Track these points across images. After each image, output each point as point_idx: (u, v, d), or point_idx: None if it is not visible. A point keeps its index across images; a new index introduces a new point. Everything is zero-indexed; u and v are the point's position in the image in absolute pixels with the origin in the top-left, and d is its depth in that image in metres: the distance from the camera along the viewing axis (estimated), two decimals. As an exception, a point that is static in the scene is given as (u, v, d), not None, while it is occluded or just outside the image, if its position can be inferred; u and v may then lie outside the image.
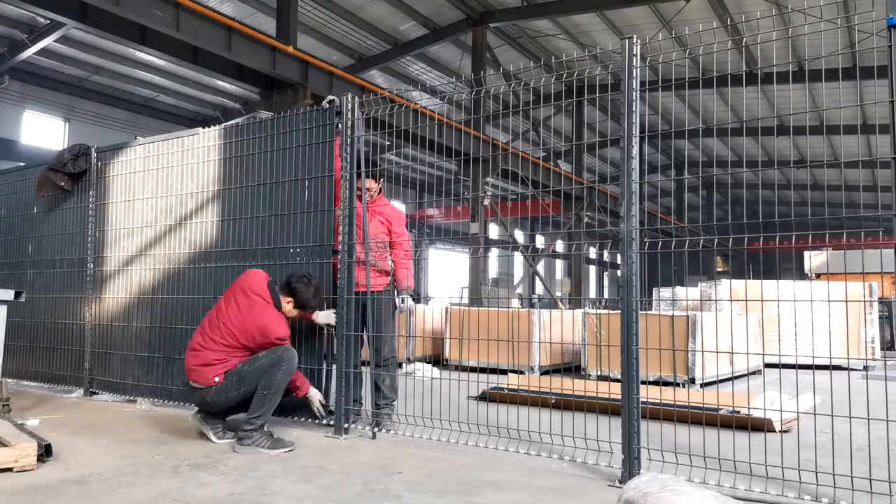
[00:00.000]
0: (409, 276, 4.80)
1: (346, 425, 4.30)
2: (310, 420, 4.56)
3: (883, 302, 11.42)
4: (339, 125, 4.51)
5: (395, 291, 4.74)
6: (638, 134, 3.39)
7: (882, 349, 10.23)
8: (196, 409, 4.20)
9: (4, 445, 3.43)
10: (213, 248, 5.17)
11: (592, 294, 36.56)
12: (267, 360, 3.96)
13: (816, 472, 2.96)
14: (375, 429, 4.32)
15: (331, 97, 4.62)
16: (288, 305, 4.19)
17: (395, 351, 4.83)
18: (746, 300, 8.64)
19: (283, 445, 3.87)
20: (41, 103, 16.80)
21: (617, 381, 3.78)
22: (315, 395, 4.33)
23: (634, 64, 3.40)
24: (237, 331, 4.00)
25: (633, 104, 3.39)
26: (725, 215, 32.25)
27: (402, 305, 4.69)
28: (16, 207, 6.81)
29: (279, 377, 3.96)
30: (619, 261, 3.45)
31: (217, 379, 3.96)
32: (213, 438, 4.04)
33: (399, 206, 4.98)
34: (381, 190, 4.87)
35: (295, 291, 4.16)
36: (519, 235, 31.56)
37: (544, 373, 7.63)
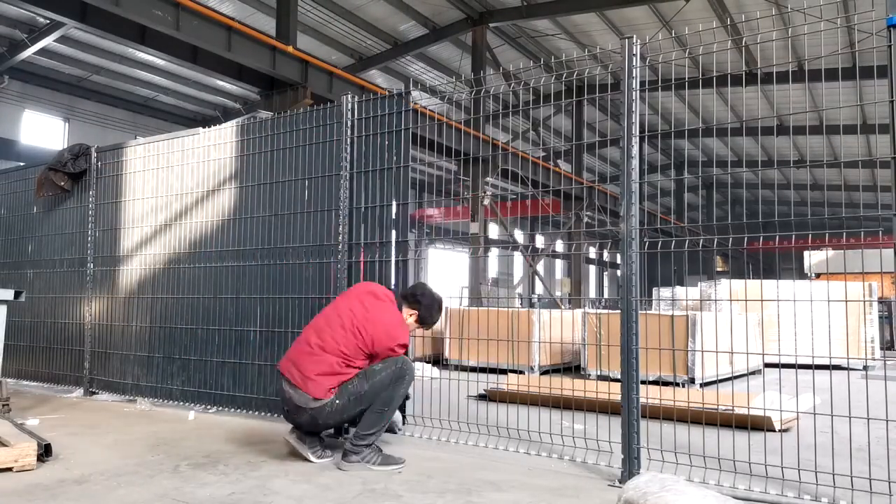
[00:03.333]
0: None
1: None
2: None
3: (883, 302, 11.42)
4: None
5: None
6: (638, 134, 3.39)
7: (882, 349, 10.23)
8: (291, 427, 3.70)
9: (4, 445, 3.43)
10: (214, 247, 5.17)
11: (592, 294, 36.55)
12: (387, 374, 3.52)
13: (816, 472, 2.96)
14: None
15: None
16: (410, 318, 3.79)
17: None
18: (746, 300, 8.63)
19: (394, 462, 3.53)
20: (41, 103, 16.80)
21: (617, 380, 3.78)
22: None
23: (634, 64, 3.40)
24: (363, 330, 3.55)
25: (633, 104, 3.39)
26: (725, 215, 32.26)
27: None
28: (16, 207, 6.81)
29: (400, 393, 3.59)
30: (619, 261, 3.45)
31: (332, 391, 3.49)
32: (313, 458, 3.60)
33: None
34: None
35: (421, 305, 3.78)
36: (519, 235, 31.56)
37: (544, 372, 7.63)
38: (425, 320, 3.83)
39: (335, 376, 3.50)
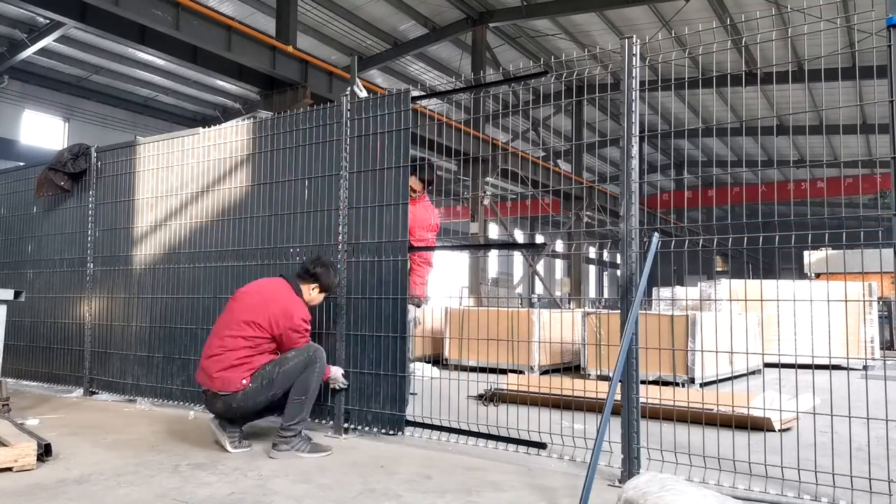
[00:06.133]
0: (417, 286, 4.75)
1: (345, 425, 4.30)
2: (310, 420, 4.57)
3: (883, 301, 11.41)
4: None
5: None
6: (638, 134, 3.39)
7: (881, 349, 10.23)
8: (213, 415, 3.90)
9: (4, 445, 3.43)
10: (214, 247, 5.17)
11: (592, 294, 36.56)
12: (298, 360, 3.77)
13: (816, 472, 2.96)
14: None
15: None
16: (313, 292, 4.06)
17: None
18: (746, 300, 8.63)
19: (322, 450, 3.76)
20: (41, 103, 16.81)
21: (617, 380, 3.77)
22: (337, 372, 4.19)
23: (634, 64, 3.40)
24: (260, 318, 3.78)
25: (633, 104, 3.39)
26: (725, 215, 32.23)
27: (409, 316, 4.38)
28: (16, 207, 6.81)
29: (314, 378, 3.82)
30: (619, 261, 3.45)
31: (244, 382, 3.71)
32: (230, 448, 3.78)
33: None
34: (423, 190, 4.93)
35: (317, 276, 4.04)
36: (519, 235, 31.56)
37: (544, 372, 7.63)
38: (328, 286, 4.11)
39: (244, 366, 3.74)
